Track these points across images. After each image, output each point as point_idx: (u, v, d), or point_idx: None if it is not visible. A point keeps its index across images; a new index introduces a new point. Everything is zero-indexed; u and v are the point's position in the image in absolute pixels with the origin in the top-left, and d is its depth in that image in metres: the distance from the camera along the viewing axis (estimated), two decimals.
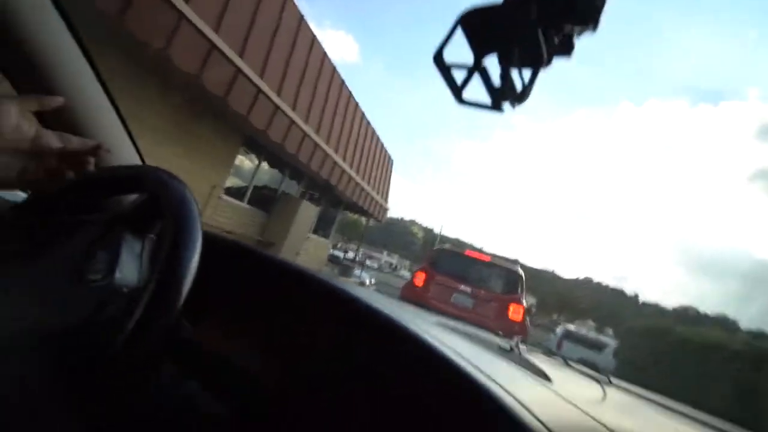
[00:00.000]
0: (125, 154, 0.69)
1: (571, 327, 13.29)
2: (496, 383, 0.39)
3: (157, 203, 0.43)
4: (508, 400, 0.36)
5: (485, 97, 0.36)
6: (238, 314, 0.57)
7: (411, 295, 5.40)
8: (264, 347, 0.52)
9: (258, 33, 5.39)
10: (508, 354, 0.71)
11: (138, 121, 4.46)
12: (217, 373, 0.44)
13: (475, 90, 0.36)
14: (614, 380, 0.89)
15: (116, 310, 0.37)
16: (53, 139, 0.48)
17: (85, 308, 0.37)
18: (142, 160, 0.74)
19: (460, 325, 0.86)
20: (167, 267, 0.37)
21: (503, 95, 0.34)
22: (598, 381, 0.75)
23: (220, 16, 4.63)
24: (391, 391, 0.42)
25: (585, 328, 19.04)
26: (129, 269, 0.41)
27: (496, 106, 0.35)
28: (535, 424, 0.35)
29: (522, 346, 0.88)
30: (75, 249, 0.42)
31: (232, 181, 7.49)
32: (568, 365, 0.91)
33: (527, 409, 0.36)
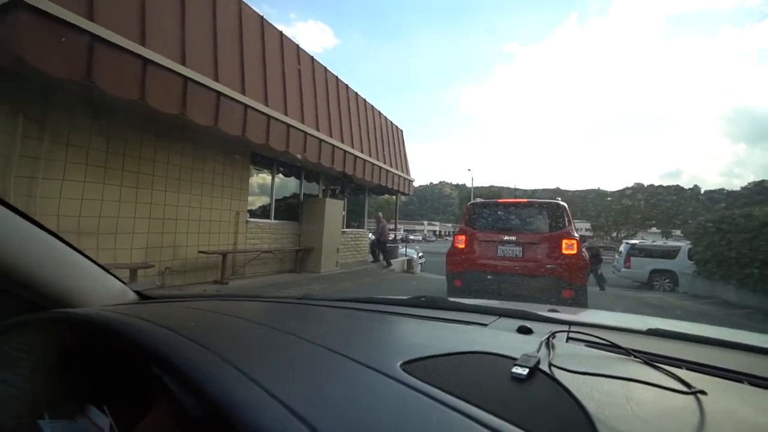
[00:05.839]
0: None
1: (635, 241, 12.47)
2: None
3: None
4: None
5: None
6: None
7: (457, 261, 5.21)
8: None
9: (225, 50, 5.23)
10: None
11: (162, 179, 4.67)
12: None
13: None
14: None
15: None
16: None
17: None
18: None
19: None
20: None
21: None
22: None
23: (182, 48, 4.50)
24: None
25: (650, 238, 17.83)
26: None
27: None
28: None
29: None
30: None
31: (262, 201, 7.61)
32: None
33: None
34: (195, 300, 1.05)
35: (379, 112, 10.52)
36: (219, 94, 4.92)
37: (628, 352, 0.62)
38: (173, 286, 5.25)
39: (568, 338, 0.72)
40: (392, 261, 10.94)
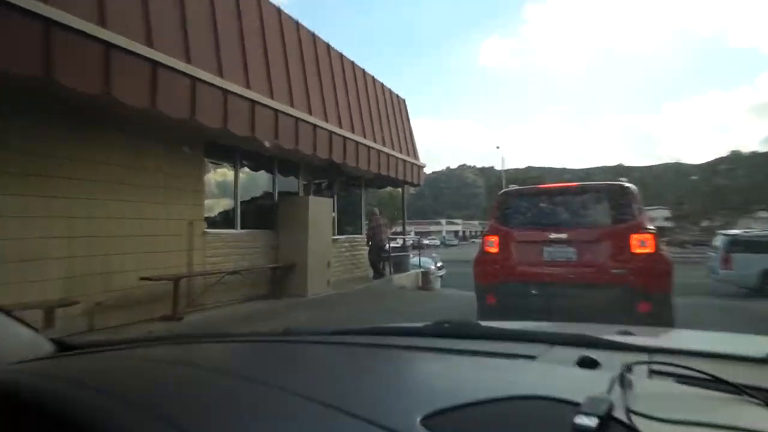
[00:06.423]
0: None
1: (735, 231, 12.34)
2: None
3: None
4: None
5: None
6: None
7: (489, 271, 5.25)
8: None
9: (158, 4, 5.19)
10: None
11: (86, 184, 4.56)
12: None
13: None
14: None
15: None
16: None
17: None
18: None
19: None
20: None
21: None
22: None
23: (99, 4, 4.47)
24: None
25: (759, 225, 17.55)
26: None
27: None
28: None
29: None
30: None
31: (223, 205, 7.65)
32: None
33: None
34: (136, 346, 1.08)
35: (373, 77, 10.51)
36: (155, 64, 4.88)
37: (739, 389, 0.61)
38: (106, 328, 5.19)
39: (651, 372, 0.73)
40: (402, 275, 11.02)
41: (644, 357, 0.79)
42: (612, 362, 0.74)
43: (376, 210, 11.36)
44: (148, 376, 0.76)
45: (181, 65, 5.26)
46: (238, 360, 0.96)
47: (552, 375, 0.74)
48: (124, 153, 5.68)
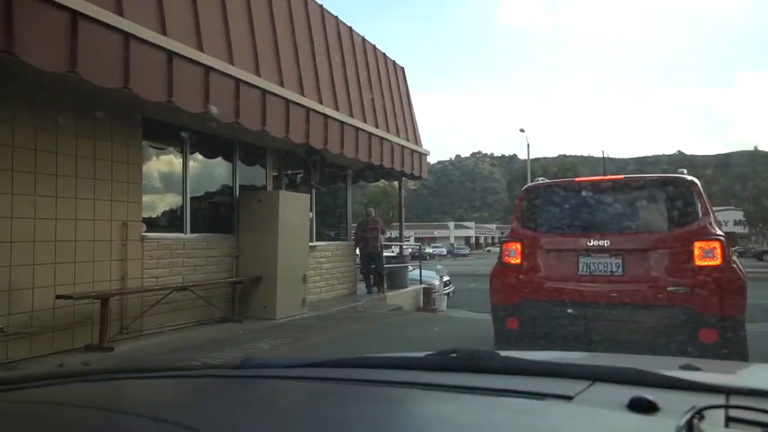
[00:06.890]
0: None
1: None
2: None
3: None
4: None
5: None
6: None
7: (510, 286, 5.33)
8: None
9: None
10: None
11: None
12: None
13: None
14: None
15: None
16: None
17: None
18: None
19: None
20: None
21: None
22: None
23: None
24: None
25: None
26: None
27: None
28: None
29: None
30: None
31: (168, 201, 7.62)
32: None
33: None
34: (40, 385, 1.08)
35: (364, 39, 10.55)
36: (74, 14, 4.80)
37: None
38: (9, 362, 5.14)
39: (729, 419, 0.72)
40: (398, 292, 11.23)
41: (718, 399, 0.78)
42: (675, 405, 0.73)
43: (372, 210, 11.68)
44: (52, 424, 0.77)
45: (110, 17, 5.17)
46: (175, 401, 0.98)
47: (595, 421, 0.75)
48: (36, 132, 5.59)
